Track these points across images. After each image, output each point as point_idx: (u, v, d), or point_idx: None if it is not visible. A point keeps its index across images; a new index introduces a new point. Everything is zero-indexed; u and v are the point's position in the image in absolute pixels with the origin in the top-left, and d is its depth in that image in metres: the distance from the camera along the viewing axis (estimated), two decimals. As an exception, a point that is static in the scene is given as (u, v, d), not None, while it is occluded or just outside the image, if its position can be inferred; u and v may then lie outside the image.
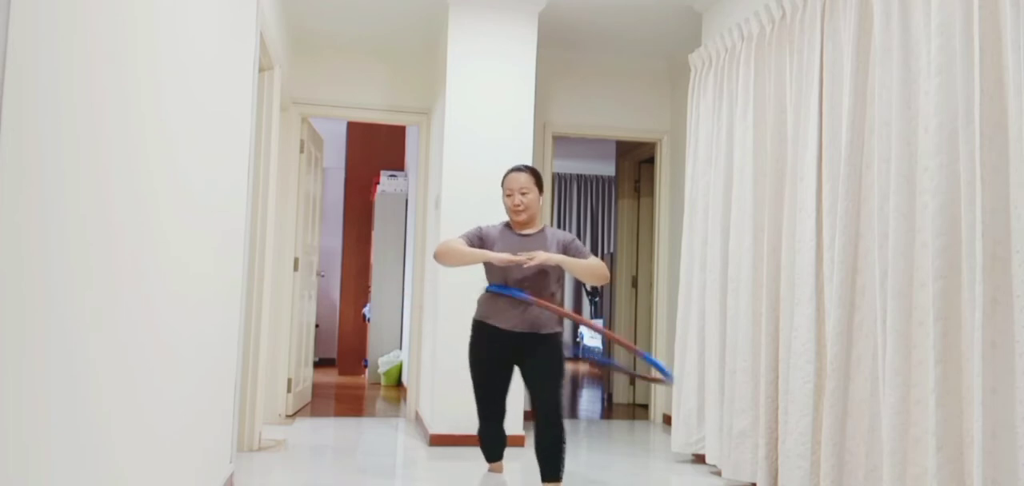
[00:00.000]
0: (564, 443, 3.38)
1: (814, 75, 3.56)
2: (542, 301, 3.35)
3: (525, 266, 3.28)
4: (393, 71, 5.78)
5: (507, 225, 3.58)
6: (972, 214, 2.63)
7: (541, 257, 3.27)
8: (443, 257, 3.40)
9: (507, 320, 3.45)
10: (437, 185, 5.11)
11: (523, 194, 3.49)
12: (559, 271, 3.46)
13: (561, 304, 3.60)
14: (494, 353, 3.52)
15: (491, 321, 3.49)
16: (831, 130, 3.45)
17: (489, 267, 3.49)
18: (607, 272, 3.40)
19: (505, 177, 3.58)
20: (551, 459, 3.37)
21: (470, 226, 3.66)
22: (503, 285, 3.43)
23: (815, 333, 3.45)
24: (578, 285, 10.97)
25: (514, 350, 3.48)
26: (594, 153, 9.18)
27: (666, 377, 3.55)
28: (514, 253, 3.37)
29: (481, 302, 3.57)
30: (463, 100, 4.84)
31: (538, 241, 3.48)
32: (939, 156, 2.77)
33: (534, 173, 3.56)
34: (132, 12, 1.86)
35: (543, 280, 3.44)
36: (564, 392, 3.46)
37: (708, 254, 4.38)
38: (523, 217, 3.50)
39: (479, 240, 3.51)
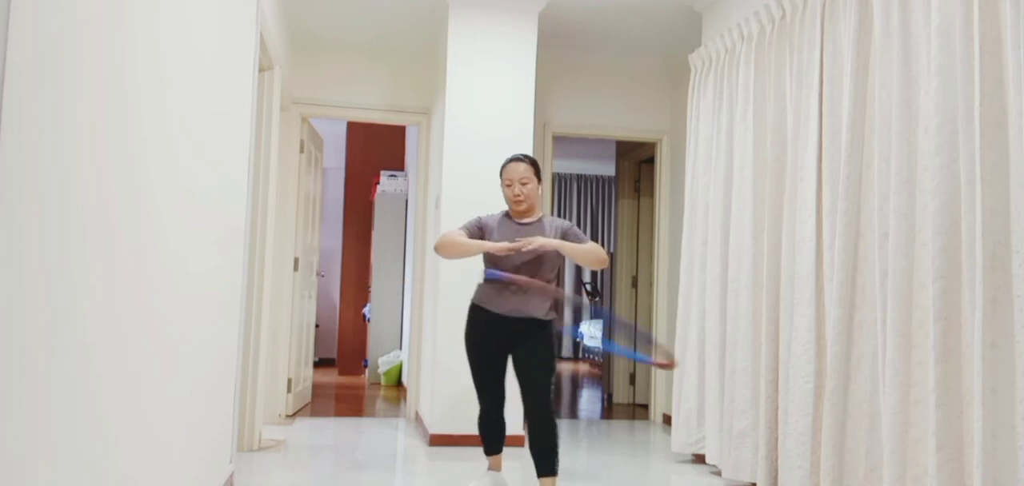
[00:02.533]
0: (557, 438, 3.40)
1: (814, 75, 3.56)
2: (533, 281, 3.38)
3: (523, 251, 3.29)
4: (393, 71, 5.78)
5: (506, 214, 3.60)
6: (972, 214, 2.63)
7: (538, 242, 3.29)
8: (443, 249, 3.44)
9: (500, 305, 3.47)
10: (437, 185, 5.11)
11: (523, 184, 3.51)
12: (557, 261, 3.48)
13: (556, 294, 3.61)
14: (488, 337, 3.54)
15: (485, 305, 3.51)
16: (831, 130, 3.45)
17: (488, 256, 3.51)
18: (605, 256, 3.42)
19: (504, 167, 3.58)
20: (545, 455, 3.39)
21: (470, 217, 3.67)
22: (496, 271, 3.46)
23: (815, 333, 3.45)
24: (578, 284, 10.97)
25: (508, 335, 3.49)
26: (594, 153, 9.18)
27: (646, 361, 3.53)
28: (512, 242, 3.39)
29: (478, 287, 3.60)
30: (463, 100, 4.84)
31: (536, 229, 3.50)
32: (939, 156, 2.77)
33: (533, 163, 3.58)
34: (132, 12, 1.86)
35: (540, 268, 3.45)
36: (553, 386, 3.47)
37: (708, 254, 4.38)
38: (523, 207, 3.52)
39: (479, 230, 3.54)
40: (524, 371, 3.48)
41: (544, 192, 3.70)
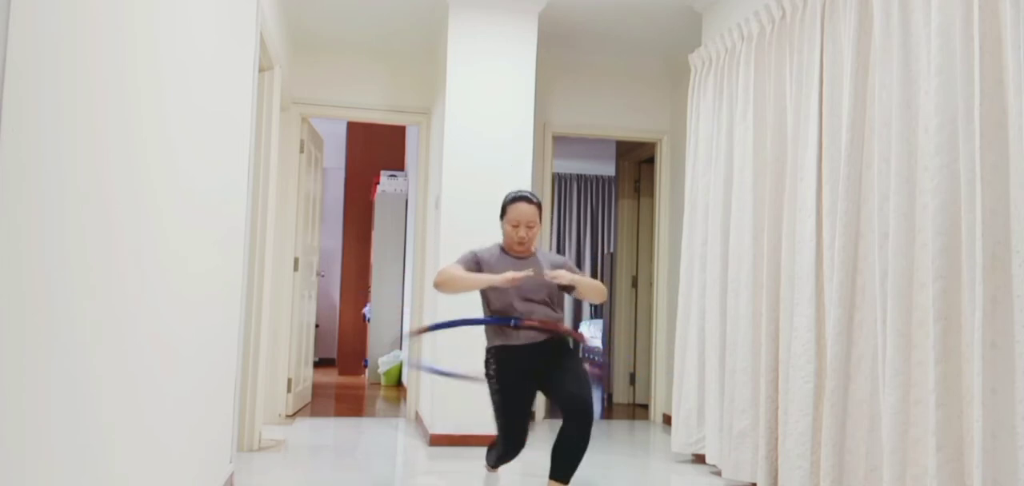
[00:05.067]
0: (586, 447, 3.18)
1: (814, 75, 3.56)
2: (536, 322, 3.27)
3: (552, 281, 3.18)
4: (393, 71, 5.78)
5: (502, 250, 3.44)
6: (972, 214, 2.63)
7: (565, 276, 3.15)
8: (444, 286, 3.22)
9: (522, 336, 3.32)
10: (437, 185, 5.11)
11: (529, 228, 3.34)
12: (558, 294, 3.39)
13: (561, 321, 3.52)
14: (519, 372, 3.35)
15: (507, 342, 3.34)
16: (831, 130, 3.45)
17: (487, 293, 3.37)
18: (606, 291, 3.38)
19: (511, 205, 3.39)
20: (569, 460, 3.16)
21: (463, 251, 3.45)
22: (503, 317, 3.31)
23: (815, 333, 3.45)
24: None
25: (537, 361, 3.34)
26: (594, 153, 9.18)
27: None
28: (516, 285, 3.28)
29: (488, 329, 3.42)
30: (463, 100, 4.84)
31: (532, 265, 3.39)
32: (939, 156, 2.77)
33: (540, 206, 3.43)
34: (132, 12, 1.86)
35: (549, 302, 3.36)
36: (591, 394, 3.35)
37: (708, 254, 4.38)
38: (524, 249, 3.40)
39: (476, 266, 3.35)
40: (562, 382, 3.26)
41: (544, 203, 3.61)
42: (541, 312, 3.31)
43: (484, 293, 3.37)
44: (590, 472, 4.24)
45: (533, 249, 3.43)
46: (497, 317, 3.31)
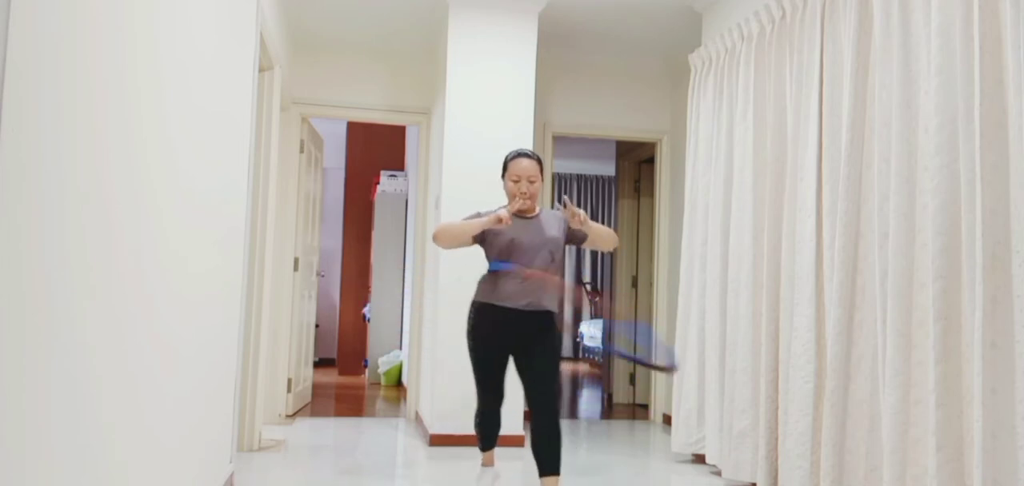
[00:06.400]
0: (561, 437, 3.39)
1: (814, 75, 3.56)
2: (544, 275, 3.39)
3: (575, 223, 3.32)
4: (393, 71, 5.78)
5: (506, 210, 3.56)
6: (972, 214, 2.63)
7: (583, 215, 3.33)
8: (442, 236, 3.38)
9: (508, 298, 3.43)
10: (437, 185, 5.11)
11: (531, 182, 3.46)
12: (561, 252, 3.50)
13: (561, 288, 3.62)
14: (495, 332, 3.49)
15: (491, 300, 3.45)
16: (831, 130, 3.45)
17: (489, 245, 3.47)
18: (616, 237, 3.56)
19: (511, 162, 3.52)
20: (550, 454, 3.36)
21: (468, 212, 3.64)
22: (504, 262, 3.44)
23: (815, 333, 3.45)
24: (579, 284, 10.97)
25: (514, 330, 3.45)
26: (594, 153, 9.19)
27: (669, 366, 3.55)
28: (517, 237, 3.38)
29: (481, 285, 3.55)
30: (463, 100, 4.84)
31: (536, 226, 3.49)
32: (939, 156, 2.77)
33: (540, 161, 3.55)
34: (132, 12, 1.86)
35: (550, 260, 3.46)
36: (559, 385, 3.48)
37: (708, 254, 4.38)
38: (528, 204, 3.48)
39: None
40: (531, 370, 3.44)
41: (544, 184, 3.70)
42: (541, 262, 3.44)
43: (486, 245, 3.49)
44: (590, 472, 4.25)
45: (537, 209, 3.51)
46: (499, 263, 3.47)
